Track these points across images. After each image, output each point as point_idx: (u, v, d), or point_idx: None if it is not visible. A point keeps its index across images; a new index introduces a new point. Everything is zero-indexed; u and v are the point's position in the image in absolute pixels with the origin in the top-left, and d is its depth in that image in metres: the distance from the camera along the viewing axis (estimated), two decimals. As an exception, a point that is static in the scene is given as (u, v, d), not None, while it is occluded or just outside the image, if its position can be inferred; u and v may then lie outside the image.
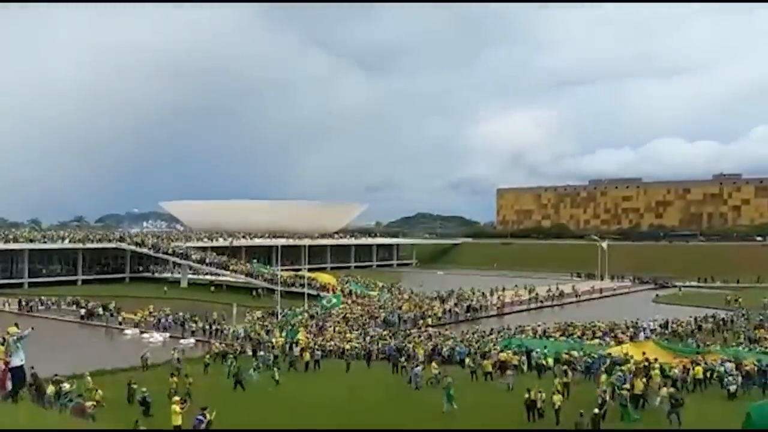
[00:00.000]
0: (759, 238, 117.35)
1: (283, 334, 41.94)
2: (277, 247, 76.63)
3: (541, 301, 67.13)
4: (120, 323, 51.75)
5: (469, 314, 57.43)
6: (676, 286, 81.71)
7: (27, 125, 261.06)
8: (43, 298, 61.66)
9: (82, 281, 78.35)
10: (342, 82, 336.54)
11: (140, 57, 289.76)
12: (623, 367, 25.70)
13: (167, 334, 47.10)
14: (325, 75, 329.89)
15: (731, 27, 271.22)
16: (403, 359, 32.57)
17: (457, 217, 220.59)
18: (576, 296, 71.84)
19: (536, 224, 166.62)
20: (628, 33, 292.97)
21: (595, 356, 29.90)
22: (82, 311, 55.09)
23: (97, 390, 21.76)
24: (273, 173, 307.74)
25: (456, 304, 59.49)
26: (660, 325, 45.67)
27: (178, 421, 18.60)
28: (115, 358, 35.43)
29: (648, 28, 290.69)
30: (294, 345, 37.20)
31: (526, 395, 21.16)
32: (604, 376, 24.37)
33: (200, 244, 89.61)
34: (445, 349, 35.35)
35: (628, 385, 22.20)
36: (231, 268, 75.37)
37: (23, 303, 59.19)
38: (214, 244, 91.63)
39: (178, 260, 79.72)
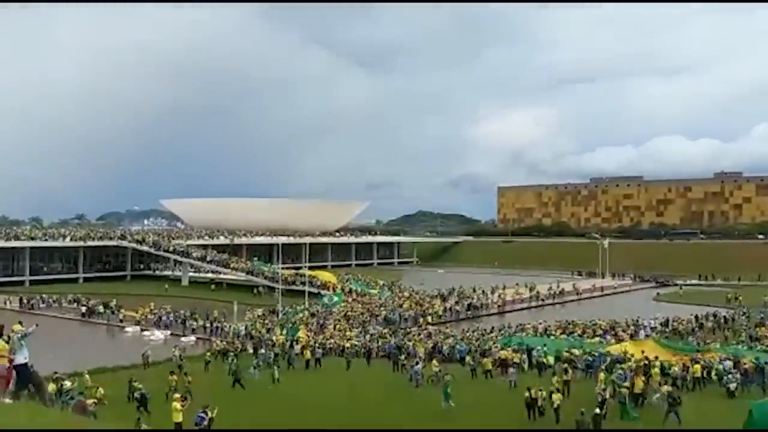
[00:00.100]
0: (760, 236, 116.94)
1: (284, 332, 42.08)
2: (277, 245, 76.64)
3: (542, 300, 67.10)
4: (121, 321, 51.89)
5: (469, 312, 57.49)
6: (676, 285, 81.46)
7: (28, 125, 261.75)
8: (44, 295, 61.78)
9: (83, 279, 78.52)
10: (342, 82, 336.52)
11: (140, 57, 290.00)
12: (623, 366, 25.75)
13: (168, 332, 47.20)
14: (325, 74, 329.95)
15: (731, 27, 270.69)
16: (403, 357, 32.65)
17: (457, 215, 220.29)
18: (577, 294, 71.81)
19: (537, 222, 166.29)
20: (628, 33, 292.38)
21: (596, 354, 29.97)
22: (83, 309, 55.17)
23: (98, 388, 21.82)
24: (273, 172, 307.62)
25: (457, 303, 59.49)
26: (661, 324, 45.64)
27: (179, 418, 18.66)
28: (116, 355, 35.56)
29: (648, 28, 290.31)
30: (295, 343, 37.32)
31: (527, 394, 21.19)
32: (603, 374, 24.40)
33: (201, 242, 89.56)
34: (445, 347, 35.42)
35: (628, 384, 22.24)
36: (232, 266, 75.45)
37: (24, 301, 59.32)
38: (215, 242, 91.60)
39: (179, 258, 79.79)
